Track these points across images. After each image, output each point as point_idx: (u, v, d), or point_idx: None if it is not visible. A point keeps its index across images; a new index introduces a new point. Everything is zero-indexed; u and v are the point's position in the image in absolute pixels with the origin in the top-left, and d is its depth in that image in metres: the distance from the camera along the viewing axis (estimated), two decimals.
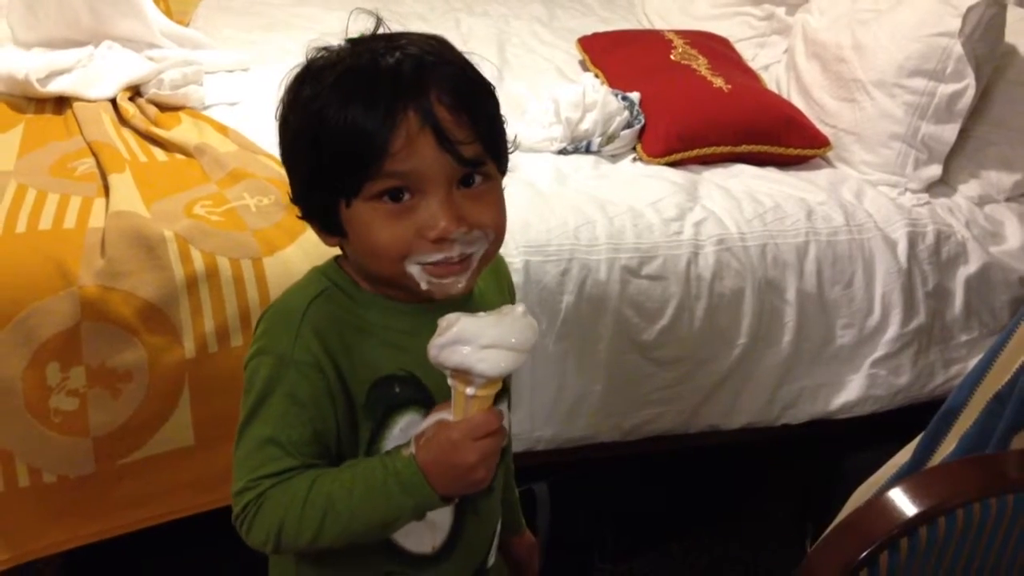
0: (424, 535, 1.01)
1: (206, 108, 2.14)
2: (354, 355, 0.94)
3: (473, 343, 0.87)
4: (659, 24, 2.86)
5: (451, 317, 0.89)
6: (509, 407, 1.10)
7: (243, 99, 2.21)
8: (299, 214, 0.98)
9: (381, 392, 0.95)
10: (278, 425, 0.92)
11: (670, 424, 1.85)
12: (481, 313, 0.90)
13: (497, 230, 0.95)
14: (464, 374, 0.88)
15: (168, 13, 2.52)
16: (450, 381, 0.90)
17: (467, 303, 0.99)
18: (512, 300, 1.14)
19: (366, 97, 0.87)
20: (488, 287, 1.06)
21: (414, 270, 0.91)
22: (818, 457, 2.01)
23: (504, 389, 1.05)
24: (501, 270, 1.13)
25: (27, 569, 1.57)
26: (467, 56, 0.95)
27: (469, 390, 0.89)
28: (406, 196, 0.89)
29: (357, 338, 0.95)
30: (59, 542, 1.54)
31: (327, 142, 0.89)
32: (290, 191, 0.97)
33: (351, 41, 0.93)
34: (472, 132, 0.89)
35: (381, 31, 0.96)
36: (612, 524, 2.06)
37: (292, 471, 0.92)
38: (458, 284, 0.93)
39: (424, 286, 0.92)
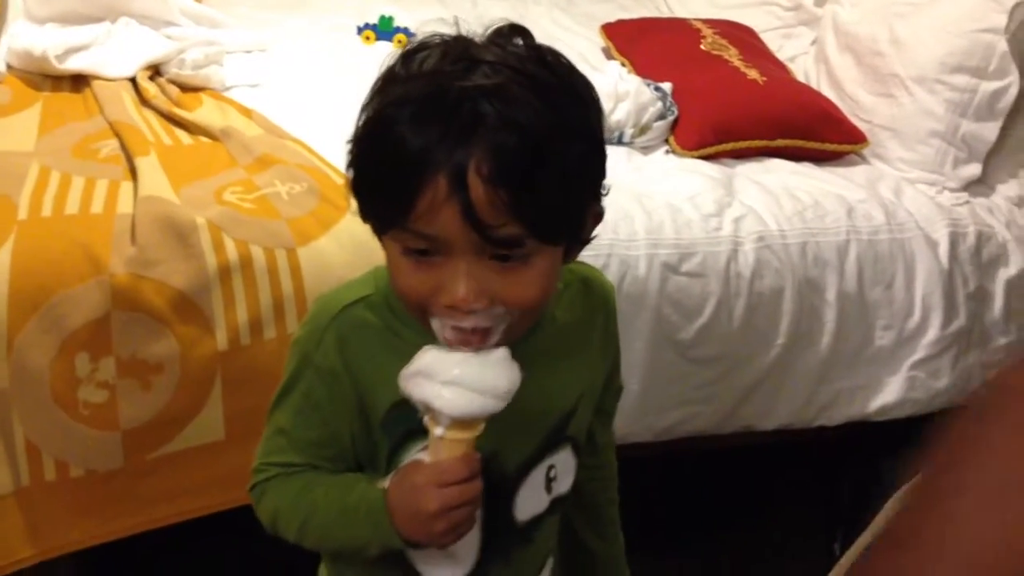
0: (443, 566, 0.95)
1: (226, 89, 2.08)
2: (379, 370, 0.88)
3: (436, 378, 0.80)
4: (679, 12, 2.81)
5: (426, 347, 0.82)
6: (594, 453, 1.04)
7: (263, 81, 2.15)
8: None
9: (401, 414, 0.88)
10: (292, 420, 0.92)
11: (704, 424, 1.82)
12: (460, 349, 0.81)
13: (526, 307, 0.82)
14: (431, 411, 0.81)
15: None
16: (423, 419, 0.83)
17: (538, 334, 0.90)
18: (610, 334, 1.02)
19: (407, 140, 0.76)
20: (575, 317, 0.95)
21: (435, 325, 0.82)
22: (850, 461, 1.98)
23: (564, 439, 0.97)
24: (596, 295, 0.99)
25: (40, 567, 1.51)
26: (564, 89, 0.80)
27: (437, 430, 0.82)
28: (431, 253, 0.79)
29: (387, 355, 0.87)
30: (85, 538, 1.49)
31: (366, 170, 0.82)
32: None
33: (444, 47, 0.81)
34: (508, 213, 0.75)
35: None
36: (638, 523, 2.03)
37: (296, 467, 0.92)
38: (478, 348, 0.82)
39: (443, 341, 0.83)
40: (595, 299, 0.99)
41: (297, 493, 0.90)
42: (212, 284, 1.49)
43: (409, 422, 0.87)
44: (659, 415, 1.78)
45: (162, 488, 1.51)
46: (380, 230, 0.83)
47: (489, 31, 0.83)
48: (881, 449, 1.88)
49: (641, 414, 1.76)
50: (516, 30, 0.83)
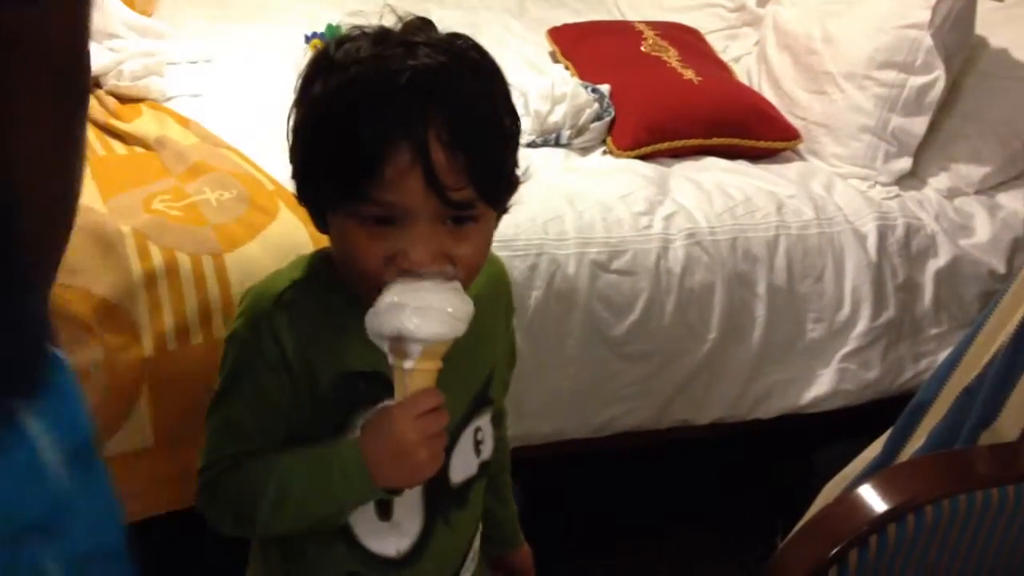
0: (389, 538, 0.99)
1: (168, 100, 2.10)
2: (322, 348, 0.93)
3: (407, 306, 0.85)
4: (631, 15, 2.84)
5: (389, 287, 0.87)
6: (498, 423, 1.10)
7: (206, 91, 2.16)
8: (295, 194, 0.95)
9: (346, 389, 0.94)
10: (241, 410, 0.93)
11: (640, 420, 1.84)
12: (422, 280, 0.87)
13: (473, 267, 0.91)
14: (400, 342, 0.86)
15: (131, 3, 2.47)
16: (390, 360, 0.88)
17: None
18: (510, 306, 1.10)
19: (366, 117, 0.83)
20: (483, 289, 1.00)
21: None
22: (788, 452, 2.00)
23: (487, 400, 1.04)
24: (495, 270, 1.07)
25: None
26: (486, 65, 0.89)
27: (407, 363, 0.87)
28: (388, 222, 0.86)
29: (328, 331, 0.94)
30: None
31: (320, 151, 0.87)
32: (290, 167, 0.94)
33: (373, 36, 0.87)
34: (465, 176, 0.85)
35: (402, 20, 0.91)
36: (583, 520, 2.05)
37: (249, 455, 0.93)
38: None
39: None
40: (495, 273, 1.07)
41: (261, 474, 0.91)
42: (137, 291, 1.50)
43: (352, 397, 0.93)
44: (594, 411, 1.80)
45: None
46: (333, 206, 0.88)
47: (400, 25, 0.90)
48: (814, 440, 1.90)
49: (576, 410, 1.78)
50: (425, 22, 0.90)
